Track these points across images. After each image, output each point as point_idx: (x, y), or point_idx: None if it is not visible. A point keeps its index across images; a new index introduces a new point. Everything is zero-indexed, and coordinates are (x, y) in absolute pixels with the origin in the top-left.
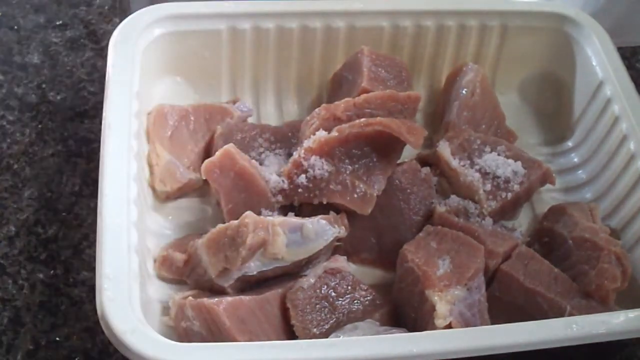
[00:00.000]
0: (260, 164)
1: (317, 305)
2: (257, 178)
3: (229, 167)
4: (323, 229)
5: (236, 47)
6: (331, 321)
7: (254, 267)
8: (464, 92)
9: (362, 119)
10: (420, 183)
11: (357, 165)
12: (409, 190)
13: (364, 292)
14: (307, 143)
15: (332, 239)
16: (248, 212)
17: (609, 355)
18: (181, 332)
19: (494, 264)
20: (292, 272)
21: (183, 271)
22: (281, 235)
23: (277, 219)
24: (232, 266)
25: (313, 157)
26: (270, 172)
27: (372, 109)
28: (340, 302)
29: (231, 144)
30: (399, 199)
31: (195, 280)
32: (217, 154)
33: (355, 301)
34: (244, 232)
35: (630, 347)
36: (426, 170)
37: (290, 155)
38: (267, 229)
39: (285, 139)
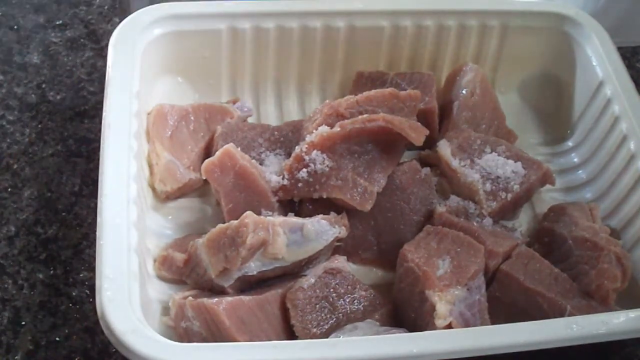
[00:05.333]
0: (260, 163)
1: (317, 305)
2: (257, 178)
3: (229, 167)
4: (323, 229)
5: (236, 47)
6: (331, 321)
7: (254, 267)
8: (463, 92)
9: (365, 115)
10: (421, 183)
11: (358, 162)
12: (409, 191)
13: (364, 293)
14: (309, 138)
15: (332, 239)
16: (248, 212)
17: (609, 355)
18: (181, 332)
19: (494, 264)
20: (292, 272)
21: (183, 271)
22: (281, 235)
23: (278, 219)
24: (232, 266)
25: (315, 152)
26: (271, 172)
27: (374, 107)
28: (340, 302)
29: (231, 144)
30: (399, 199)
31: (195, 280)
32: (217, 153)
33: (355, 301)
34: (244, 232)
35: (630, 347)
36: (426, 170)
37: (290, 155)
38: (267, 229)
39: (285, 139)
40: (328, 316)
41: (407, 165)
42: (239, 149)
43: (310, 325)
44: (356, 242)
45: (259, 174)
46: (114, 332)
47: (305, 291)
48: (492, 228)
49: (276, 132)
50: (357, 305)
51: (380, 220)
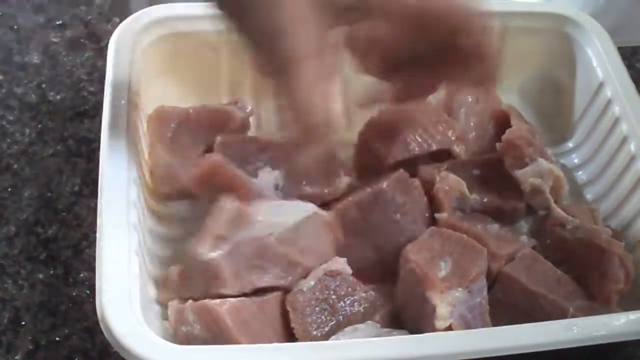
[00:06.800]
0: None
1: (317, 308)
2: (245, 180)
3: (215, 180)
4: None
5: (236, 48)
6: (331, 323)
7: (243, 235)
8: (469, 99)
9: None
10: (412, 191)
11: None
12: (403, 201)
13: (364, 294)
14: None
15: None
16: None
17: (609, 355)
18: (181, 337)
19: (496, 267)
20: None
21: (183, 284)
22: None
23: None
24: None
25: None
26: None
27: None
28: (340, 304)
29: (217, 156)
30: (394, 211)
31: (194, 290)
32: (203, 166)
33: (355, 303)
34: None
35: (630, 348)
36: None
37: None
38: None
39: (286, 158)
40: (328, 318)
41: (395, 177)
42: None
43: (310, 328)
44: (357, 263)
45: (246, 178)
46: (114, 334)
47: (304, 294)
48: (498, 232)
49: (277, 151)
50: (357, 307)
51: (379, 238)
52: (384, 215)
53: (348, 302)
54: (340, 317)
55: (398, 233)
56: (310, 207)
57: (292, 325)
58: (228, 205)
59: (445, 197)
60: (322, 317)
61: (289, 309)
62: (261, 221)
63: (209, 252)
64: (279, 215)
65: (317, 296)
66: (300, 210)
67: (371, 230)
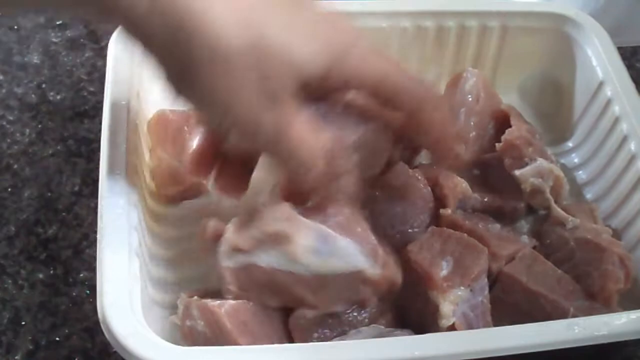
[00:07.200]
0: None
1: (322, 324)
2: None
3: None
4: (352, 252)
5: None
6: (335, 334)
7: (265, 259)
8: (469, 98)
9: None
10: (414, 182)
11: None
12: (405, 192)
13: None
14: None
15: (357, 266)
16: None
17: (609, 355)
18: (185, 331)
19: (497, 267)
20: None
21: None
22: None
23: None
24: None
25: None
26: None
27: None
28: (346, 315)
29: None
30: (397, 204)
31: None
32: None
33: (362, 312)
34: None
35: (631, 347)
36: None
37: None
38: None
39: None
40: (335, 330)
41: (396, 169)
42: None
43: (316, 341)
44: None
45: None
46: (115, 335)
47: (309, 318)
48: (499, 232)
49: None
50: (363, 315)
51: (388, 229)
52: (388, 208)
53: (355, 313)
54: (346, 327)
55: (407, 224)
56: (360, 261)
57: (296, 343)
58: (276, 223)
59: (451, 193)
60: (327, 330)
61: (292, 332)
62: (297, 248)
63: (223, 259)
64: (320, 254)
65: (323, 315)
66: (348, 259)
67: (382, 222)
